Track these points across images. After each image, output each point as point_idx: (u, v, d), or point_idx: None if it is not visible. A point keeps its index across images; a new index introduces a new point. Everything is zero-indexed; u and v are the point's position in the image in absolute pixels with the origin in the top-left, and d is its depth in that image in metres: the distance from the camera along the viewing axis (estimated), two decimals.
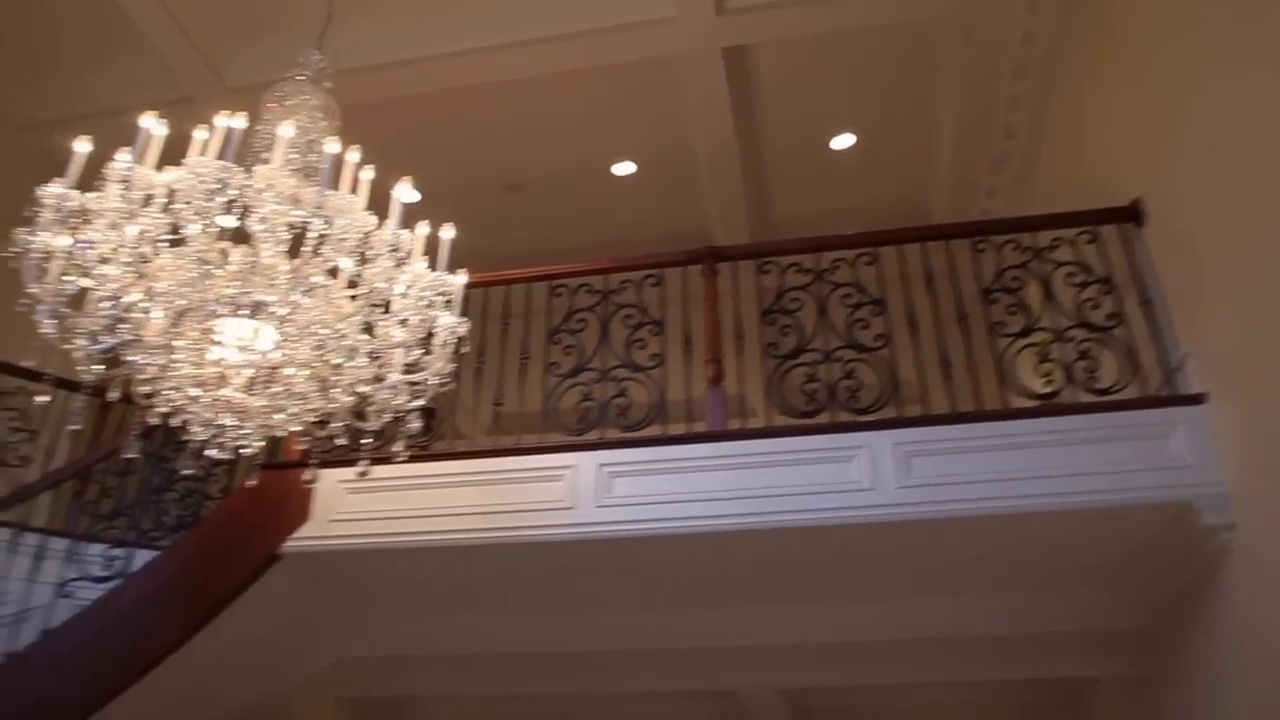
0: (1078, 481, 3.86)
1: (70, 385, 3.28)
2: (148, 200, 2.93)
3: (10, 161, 6.87)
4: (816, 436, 4.23)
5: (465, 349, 3.50)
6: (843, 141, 7.12)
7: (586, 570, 4.70)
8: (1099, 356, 4.23)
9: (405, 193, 3.24)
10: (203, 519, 4.86)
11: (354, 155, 3.28)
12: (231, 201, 2.91)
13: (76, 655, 4.43)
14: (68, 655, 4.44)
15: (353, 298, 3.24)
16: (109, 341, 3.01)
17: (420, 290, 3.29)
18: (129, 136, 3.07)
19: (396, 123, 6.33)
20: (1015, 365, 4.38)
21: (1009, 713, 7.37)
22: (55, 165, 6.30)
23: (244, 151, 3.13)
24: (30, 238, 2.85)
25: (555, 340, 4.77)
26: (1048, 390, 4.18)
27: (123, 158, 2.94)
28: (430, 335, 3.33)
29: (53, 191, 2.89)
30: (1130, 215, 4.50)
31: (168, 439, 5.06)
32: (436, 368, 3.36)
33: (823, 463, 4.15)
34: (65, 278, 2.92)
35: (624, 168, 7.19)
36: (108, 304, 2.97)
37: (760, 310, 4.67)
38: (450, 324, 3.38)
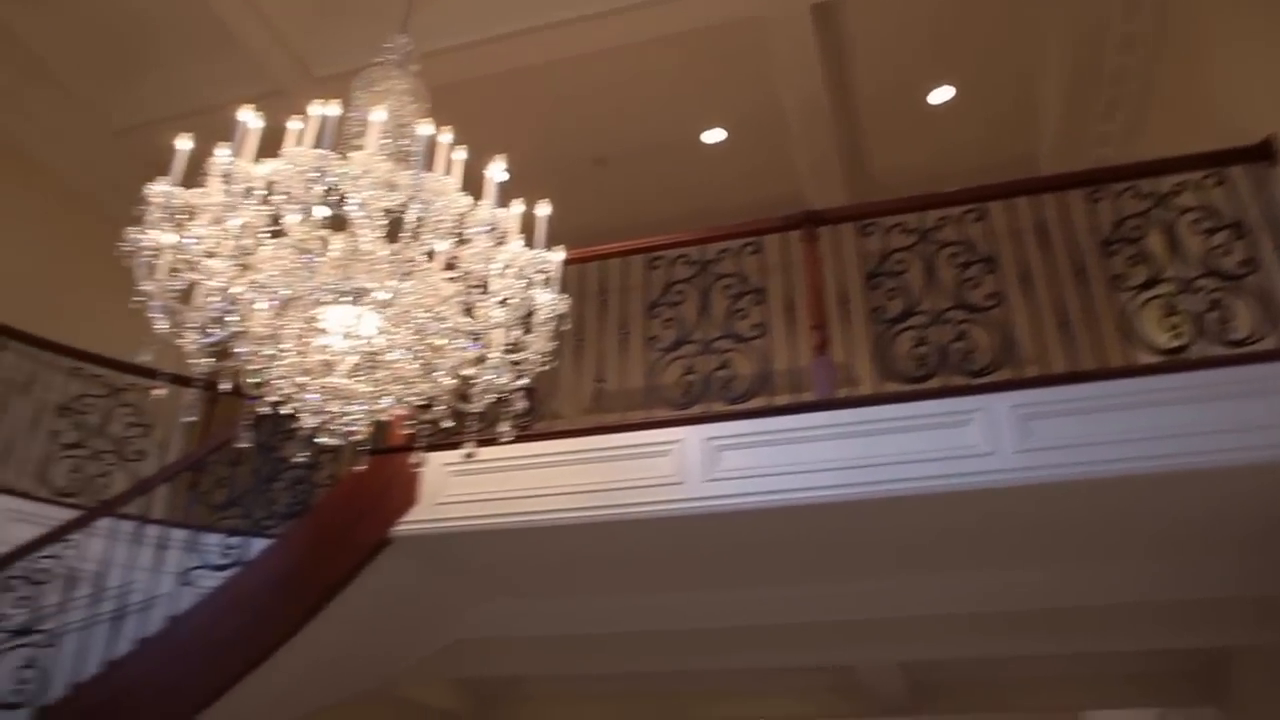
0: (1210, 440, 3.64)
1: (182, 380, 3.32)
2: (248, 193, 2.93)
3: (111, 165, 7.08)
4: (929, 402, 4.08)
5: (566, 326, 3.46)
6: (941, 94, 6.86)
7: (696, 546, 4.65)
8: (1232, 306, 3.99)
9: (498, 171, 3.19)
10: (314, 506, 4.94)
11: (446, 137, 3.25)
12: (329, 189, 2.90)
13: (201, 640, 4.58)
14: (193, 640, 4.58)
15: (451, 279, 3.21)
16: (218, 334, 3.04)
17: (519, 269, 3.25)
18: (223, 133, 3.08)
19: (482, 102, 6.31)
20: (1139, 319, 4.16)
21: (1141, 684, 7.14)
22: (153, 166, 6.49)
23: (336, 139, 3.12)
24: (140, 236, 2.87)
25: (654, 314, 4.70)
26: (1176, 344, 3.96)
27: (222, 152, 2.94)
28: (530, 314, 3.29)
29: (159, 189, 2.91)
30: (1262, 154, 4.22)
31: (275, 428, 5.17)
32: (538, 346, 3.32)
33: (937, 428, 4.00)
34: (174, 273, 2.95)
35: (713, 135, 7.06)
36: (215, 297, 2.99)
37: (864, 274, 4.53)
38: (549, 302, 3.33)
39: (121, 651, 4.58)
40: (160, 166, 6.11)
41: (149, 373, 5.80)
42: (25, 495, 5.61)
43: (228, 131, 3.09)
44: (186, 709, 4.38)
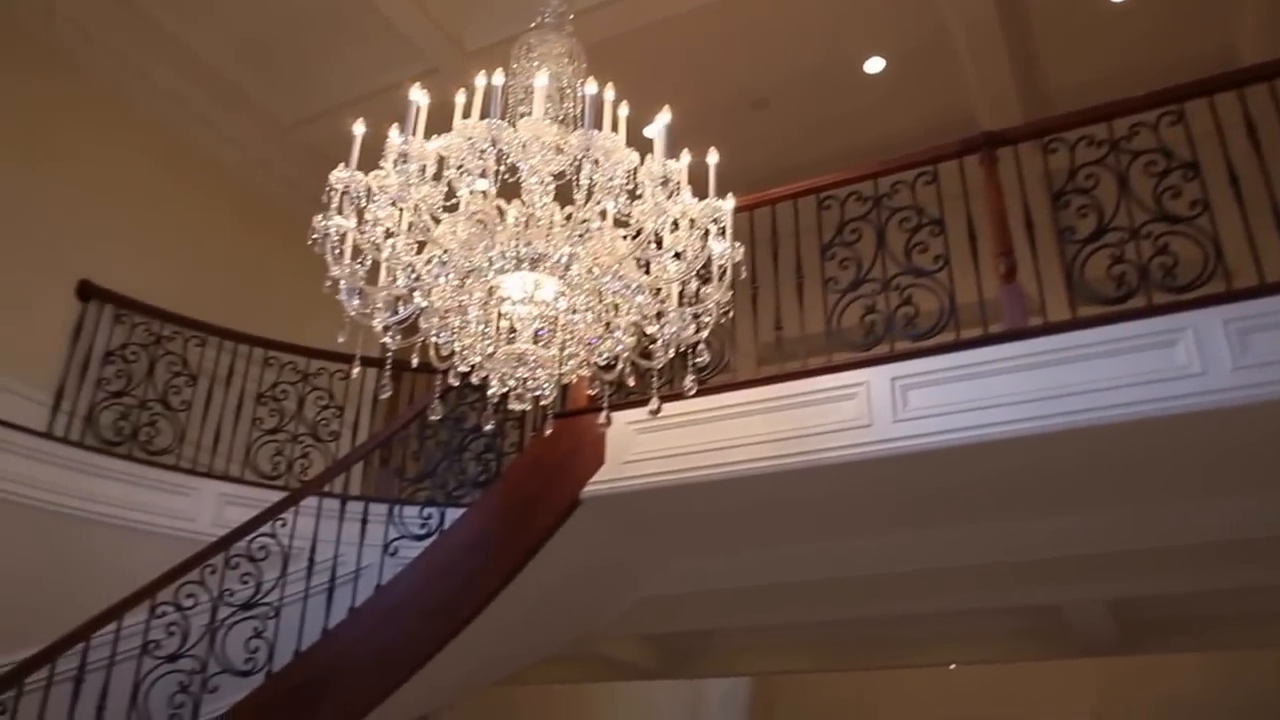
0: None
1: (372, 362, 3.42)
2: (423, 170, 2.97)
3: (284, 160, 7.38)
4: (1130, 323, 3.84)
5: (742, 275, 3.39)
6: None
7: (885, 489, 4.53)
8: None
9: (663, 122, 3.14)
10: (504, 472, 5.07)
11: (609, 94, 3.21)
12: (501, 158, 2.91)
13: (407, 607, 4.77)
14: (399, 608, 4.78)
15: (625, 237, 3.19)
16: (405, 311, 3.11)
17: (692, 219, 3.20)
18: (386, 117, 3.12)
19: (637, 56, 6.21)
20: None
21: None
22: (322, 157, 6.72)
23: (503, 109, 3.12)
24: (325, 222, 2.95)
25: (830, 255, 4.58)
26: None
27: (395, 134, 2.99)
28: (706, 265, 3.24)
29: (339, 175, 2.98)
30: None
31: (460, 400, 5.32)
32: (716, 297, 3.27)
33: (1140, 350, 3.78)
34: (359, 256, 3.02)
35: (874, 64, 6.79)
36: (400, 275, 3.06)
37: (1051, 193, 4.29)
38: (724, 251, 3.27)
39: (336, 620, 4.82)
40: (327, 157, 6.30)
41: (335, 356, 6.19)
42: (236, 480, 5.98)
43: (390, 115, 3.13)
44: (402, 671, 4.60)
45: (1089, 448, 4.00)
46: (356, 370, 3.27)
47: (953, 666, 11.12)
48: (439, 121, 3.04)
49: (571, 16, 3.69)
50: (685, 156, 3.30)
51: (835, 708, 13.72)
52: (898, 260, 4.46)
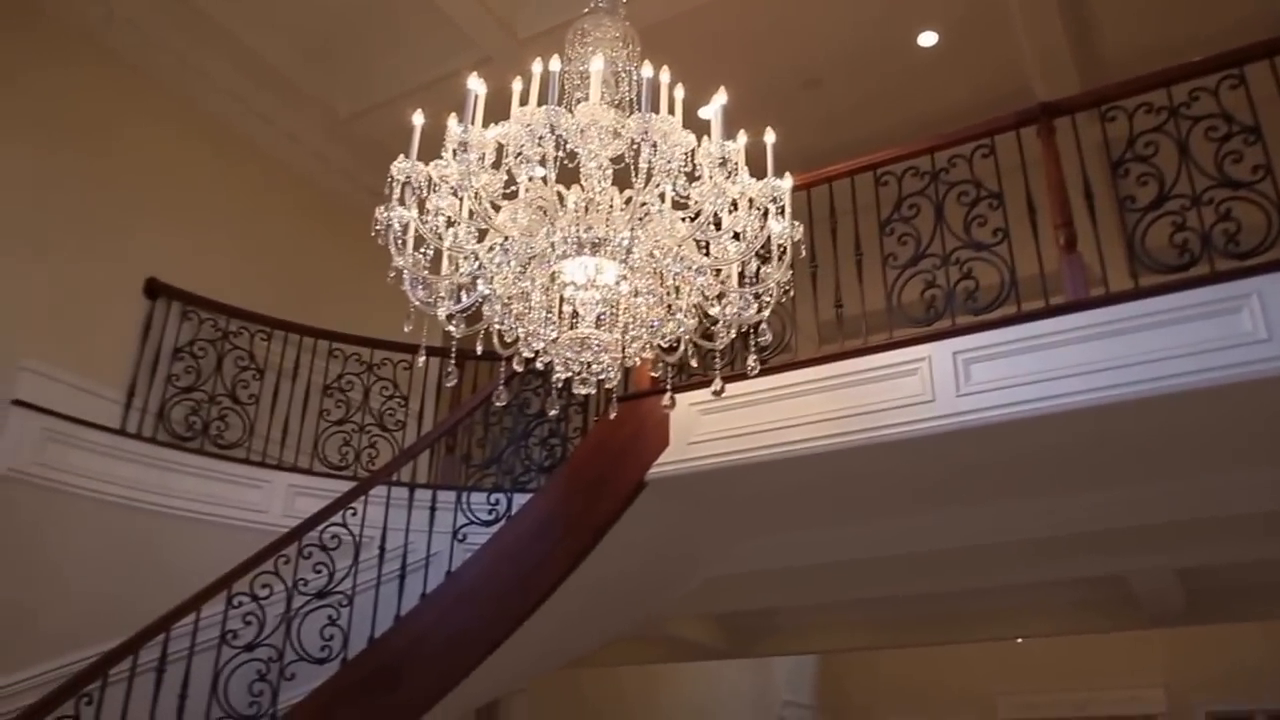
0: None
1: (436, 351, 3.46)
2: (482, 158, 3.00)
3: (341, 153, 7.49)
4: (1194, 291, 3.78)
5: (801, 254, 3.38)
6: None
7: (950, 463, 4.52)
8: None
9: (719, 103, 3.14)
10: (570, 456, 5.12)
11: (665, 77, 3.21)
12: (559, 144, 2.93)
13: (477, 592, 4.85)
14: (470, 593, 4.86)
15: (685, 219, 3.20)
16: (468, 299, 3.15)
17: (751, 199, 3.20)
18: (441, 107, 3.15)
19: (690, 39, 6.20)
20: None
21: None
22: (378, 148, 6.79)
23: (560, 94, 3.14)
24: (388, 213, 3.00)
25: (888, 231, 4.55)
26: None
27: (454, 124, 3.02)
28: (765, 244, 3.24)
29: (400, 166, 3.02)
30: None
31: (523, 386, 5.37)
32: (776, 277, 3.27)
33: (1205, 318, 3.73)
34: (421, 246, 3.07)
35: (927, 38, 6.70)
36: (462, 264, 3.10)
37: (1110, 162, 4.21)
38: (783, 230, 3.27)
39: (408, 607, 4.91)
40: (385, 148, 6.36)
41: (398, 346, 6.28)
42: (305, 471, 6.10)
43: (445, 105, 3.16)
44: (474, 656, 4.68)
45: (1154, 417, 3.96)
46: (421, 360, 3.32)
47: (1020, 640, 11.10)
48: (495, 109, 3.06)
49: (625, 1, 3.69)
50: (742, 137, 3.29)
51: (904, 680, 13.76)
52: (957, 234, 4.42)
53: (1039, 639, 11.12)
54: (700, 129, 3.09)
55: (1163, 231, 4.02)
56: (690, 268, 3.13)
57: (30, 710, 4.05)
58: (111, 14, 6.10)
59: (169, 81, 6.53)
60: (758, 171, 3.23)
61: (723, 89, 3.09)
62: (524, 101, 3.07)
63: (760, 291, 3.24)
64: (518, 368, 3.38)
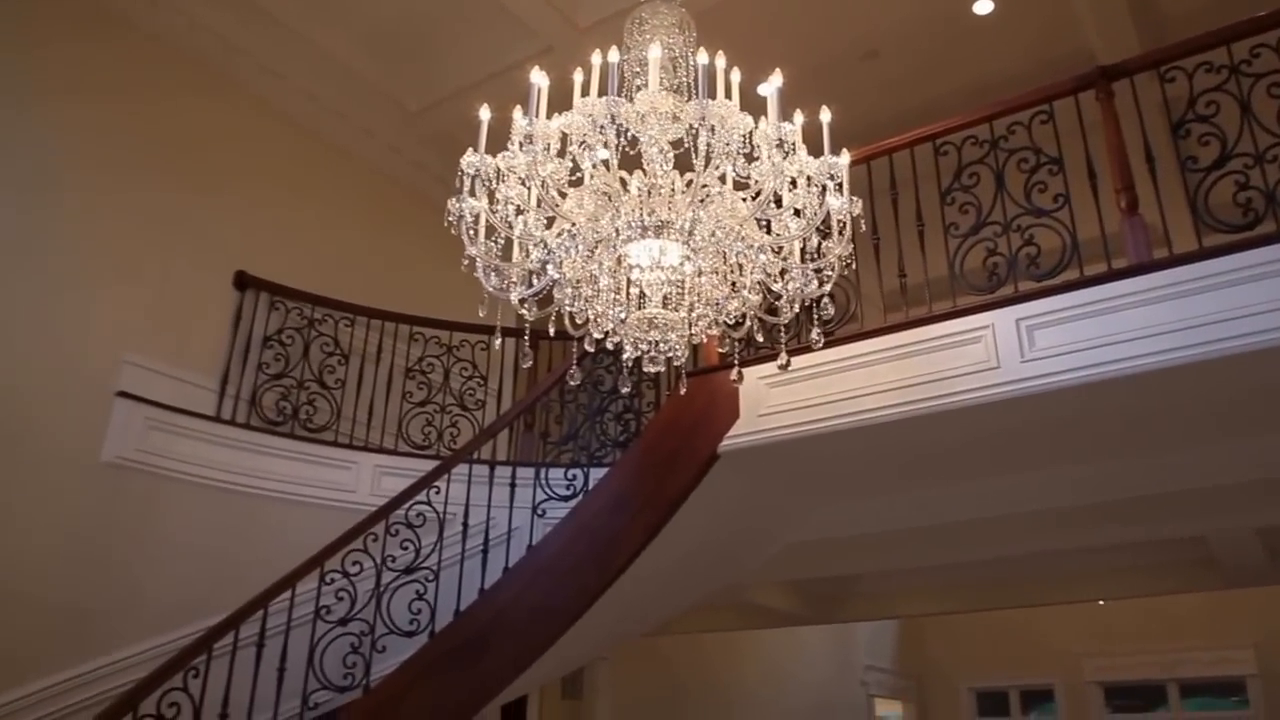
0: None
1: (511, 332, 3.61)
2: (548, 149, 3.13)
3: (412, 146, 7.69)
4: (1260, 249, 3.74)
5: (861, 229, 3.45)
6: None
7: (1018, 429, 4.55)
8: None
9: (775, 85, 3.22)
10: (644, 431, 5.25)
11: (720, 62, 3.30)
12: (621, 133, 3.04)
13: (558, 565, 5.00)
14: (550, 566, 5.02)
15: (745, 199, 3.29)
16: (539, 284, 3.29)
17: (809, 177, 3.28)
18: (508, 98, 3.27)
19: (748, 19, 6.25)
20: None
21: None
22: (446, 139, 6.97)
23: (620, 83, 3.24)
24: (459, 204, 3.14)
25: (949, 201, 4.57)
26: None
27: (519, 117, 3.14)
28: (825, 220, 3.32)
29: (469, 160, 3.15)
30: None
31: (596, 364, 5.52)
32: (837, 251, 3.35)
33: (1272, 276, 3.68)
34: (492, 235, 3.21)
35: (983, 5, 6.65)
36: (532, 250, 3.24)
37: (1170, 123, 4.19)
38: (841, 206, 3.34)
39: (492, 581, 5.10)
40: (454, 139, 6.50)
41: (475, 328, 6.46)
42: (390, 451, 6.33)
43: (510, 95, 3.28)
44: (557, 626, 4.84)
45: (1223, 378, 3.94)
46: (498, 343, 3.47)
47: (1101, 602, 11.02)
48: (558, 99, 3.17)
49: None
50: (799, 117, 3.37)
51: (986, 644, 13.77)
52: (1017, 201, 4.43)
53: (1123, 601, 11.07)
54: (760, 107, 3.17)
55: (1226, 191, 3.98)
56: (751, 246, 3.23)
57: (141, 684, 4.28)
58: (193, 24, 6.35)
59: (250, 85, 6.77)
60: (816, 149, 3.31)
61: (778, 71, 3.16)
62: (585, 92, 3.19)
63: (821, 267, 3.32)
64: (589, 348, 3.51)
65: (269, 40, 6.70)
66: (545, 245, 3.20)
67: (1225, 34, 4.19)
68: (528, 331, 3.34)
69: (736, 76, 3.35)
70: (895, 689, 14.20)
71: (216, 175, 6.41)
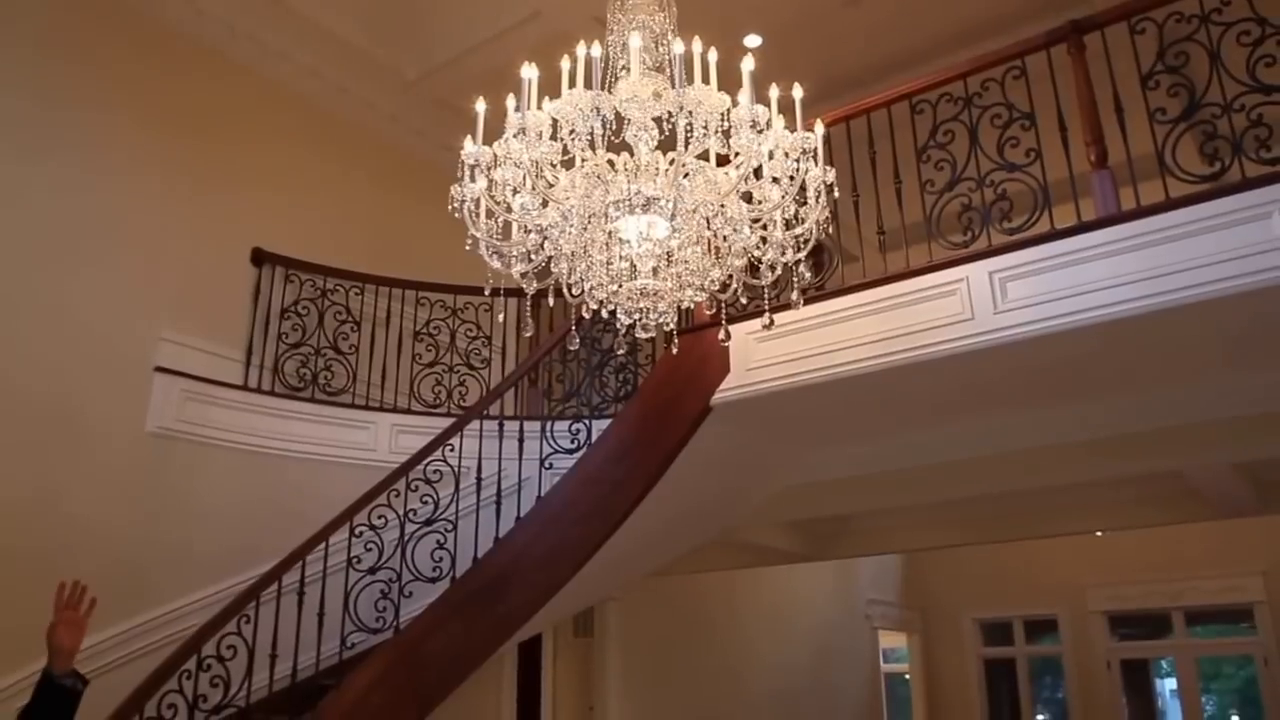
0: None
1: (512, 292, 3.85)
2: (540, 135, 3.36)
3: (411, 113, 7.87)
4: (1224, 199, 3.88)
5: (836, 195, 3.63)
6: None
7: (995, 376, 4.78)
8: None
9: (748, 68, 3.40)
10: (640, 386, 5.51)
11: (697, 46, 3.47)
12: (606, 124, 3.27)
13: (565, 514, 5.32)
14: (559, 515, 5.34)
15: (726, 173, 3.51)
16: (538, 259, 3.54)
17: (785, 150, 3.48)
18: (501, 69, 3.43)
19: None
20: None
21: None
22: (445, 107, 7.13)
23: (604, 66, 3.44)
24: (461, 189, 3.39)
25: (925, 159, 4.71)
26: None
27: (513, 110, 3.35)
28: (804, 187, 3.52)
29: (468, 150, 3.39)
30: None
31: (594, 323, 5.77)
32: (815, 216, 3.56)
33: (1237, 225, 3.83)
34: (492, 216, 3.46)
35: None
36: (529, 228, 3.49)
37: (1140, 75, 4.28)
38: (818, 175, 3.56)
39: (505, 529, 5.41)
40: (450, 105, 6.65)
41: (478, 290, 6.66)
42: (405, 410, 6.63)
43: (501, 60, 3.42)
44: (566, 570, 5.19)
45: (1189, 325, 4.12)
46: (502, 317, 3.73)
47: (1099, 533, 11.18)
48: (547, 75, 3.37)
49: None
50: (774, 91, 3.56)
51: (989, 576, 13.79)
52: (990, 157, 4.55)
53: (1127, 533, 11.11)
54: (738, 82, 3.32)
55: (1195, 143, 4.10)
56: (729, 222, 3.46)
57: (201, 630, 4.69)
58: (200, 11, 6.57)
59: (256, 67, 6.98)
60: (799, 122, 3.48)
61: (750, 56, 3.35)
62: (572, 82, 3.40)
63: (800, 234, 3.55)
64: (585, 315, 3.77)
65: (271, 21, 6.87)
66: (538, 223, 3.44)
67: None
68: (528, 296, 3.58)
69: (714, 56, 3.54)
70: (899, 621, 14.43)
71: (230, 158, 6.66)
